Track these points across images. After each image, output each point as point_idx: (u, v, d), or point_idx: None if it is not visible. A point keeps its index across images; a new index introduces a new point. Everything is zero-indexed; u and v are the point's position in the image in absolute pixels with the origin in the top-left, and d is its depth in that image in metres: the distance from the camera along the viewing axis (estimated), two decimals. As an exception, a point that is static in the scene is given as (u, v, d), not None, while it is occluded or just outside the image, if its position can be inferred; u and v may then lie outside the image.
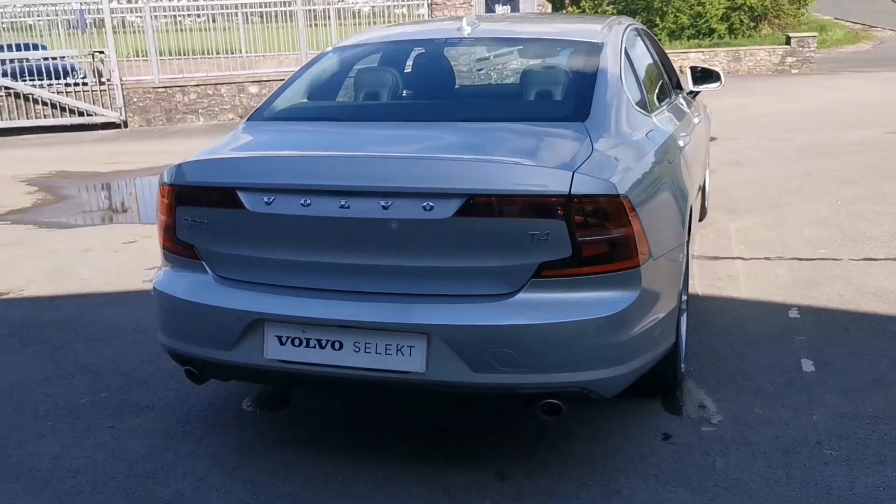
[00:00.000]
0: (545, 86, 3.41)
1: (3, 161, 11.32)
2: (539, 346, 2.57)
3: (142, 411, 3.53)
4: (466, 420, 3.34)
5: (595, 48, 3.44)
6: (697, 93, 5.17)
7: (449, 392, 2.69)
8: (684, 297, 3.49)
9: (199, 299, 2.89)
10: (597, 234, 2.56)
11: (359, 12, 17.55)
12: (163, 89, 14.80)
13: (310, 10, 16.08)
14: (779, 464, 2.92)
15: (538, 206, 2.53)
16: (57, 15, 15.56)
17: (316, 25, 16.42)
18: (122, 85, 14.51)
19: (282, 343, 2.73)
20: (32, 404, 3.65)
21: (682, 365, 3.49)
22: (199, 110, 14.84)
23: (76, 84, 14.45)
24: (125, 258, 5.98)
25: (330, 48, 3.99)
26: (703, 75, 5.13)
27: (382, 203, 2.59)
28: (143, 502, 2.87)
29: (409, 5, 16.87)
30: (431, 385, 2.64)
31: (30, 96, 14.28)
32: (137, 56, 15.91)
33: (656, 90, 4.02)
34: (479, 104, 3.73)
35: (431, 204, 2.56)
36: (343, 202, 2.63)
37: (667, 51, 6.04)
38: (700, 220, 5.63)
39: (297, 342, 2.72)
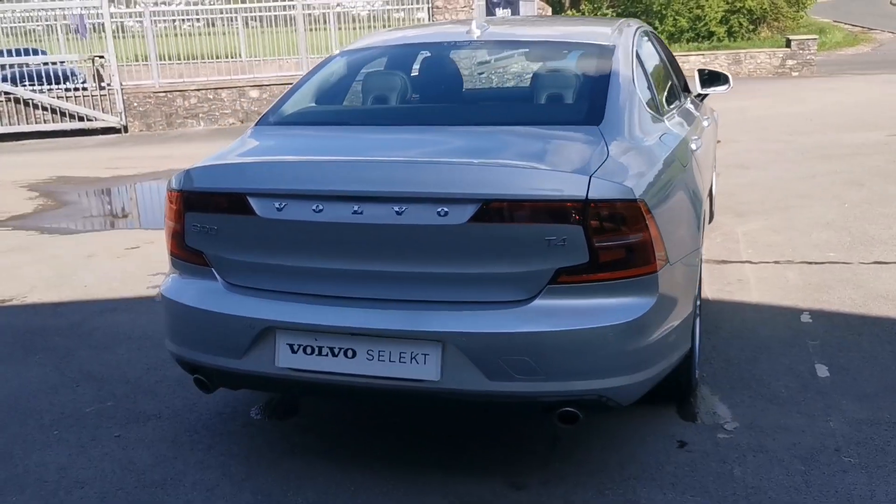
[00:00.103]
0: (558, 89, 3.37)
1: (4, 166, 11.28)
2: (556, 354, 2.52)
3: (149, 420, 3.49)
4: (479, 428, 3.29)
5: (607, 51, 3.40)
6: (705, 95, 5.13)
7: (464, 401, 2.65)
8: (697, 302, 3.45)
9: (208, 307, 2.84)
10: (614, 239, 2.52)
11: (357, 16, 17.51)
12: (163, 94, 14.76)
13: (308, 15, 16.02)
14: (797, 471, 2.88)
15: (555, 210, 2.49)
16: (56, 20, 15.50)
17: (314, 30, 16.37)
18: (122, 89, 14.47)
19: (293, 351, 2.69)
20: (37, 413, 3.60)
21: (696, 371, 3.45)
22: (200, 115, 14.80)
23: (76, 89, 14.40)
24: (128, 264, 5.93)
25: (337, 52, 3.95)
26: (711, 78, 5.10)
27: (396, 209, 2.55)
28: (153, 513, 2.83)
29: (407, 9, 16.84)
30: (446, 394, 2.59)
31: (30, 101, 14.23)
32: (136, 61, 15.85)
33: (667, 93, 3.99)
34: (491, 107, 3.68)
35: (446, 209, 2.51)
36: (356, 208, 2.59)
37: (670, 54, 5.97)
38: (708, 223, 5.59)
39: (309, 350, 2.67)
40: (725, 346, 3.94)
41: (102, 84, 14.57)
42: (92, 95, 14.43)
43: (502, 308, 2.56)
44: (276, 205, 2.68)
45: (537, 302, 2.55)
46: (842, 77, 17.64)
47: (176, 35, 16.33)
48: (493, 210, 2.50)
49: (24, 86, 14.23)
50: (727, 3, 26.40)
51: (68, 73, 14.60)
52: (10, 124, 14.20)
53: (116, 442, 3.32)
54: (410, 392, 2.63)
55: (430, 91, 3.72)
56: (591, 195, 2.47)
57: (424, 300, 2.61)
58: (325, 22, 16.22)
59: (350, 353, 2.63)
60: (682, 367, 3.04)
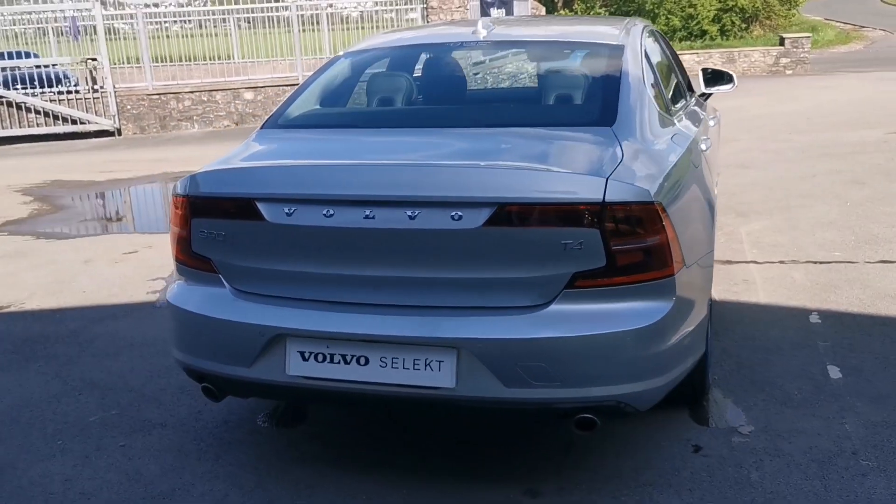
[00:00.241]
0: (568, 89, 3.32)
1: (-3, 171, 11.20)
2: (573, 360, 2.48)
3: (154, 429, 3.43)
4: (491, 434, 3.24)
5: (616, 50, 3.36)
6: (709, 95, 5.10)
7: (480, 408, 2.60)
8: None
9: (216, 314, 2.79)
10: (632, 242, 2.48)
11: (348, 17, 17.45)
12: (157, 96, 14.68)
13: (300, 16, 15.92)
14: (815, 475, 2.85)
15: (571, 214, 2.45)
16: (46, 22, 15.37)
17: (305, 30, 16.28)
18: (115, 92, 14.38)
19: (305, 359, 2.64)
20: (41, 423, 3.54)
21: (709, 374, 3.41)
22: (194, 117, 14.72)
23: (69, 92, 14.30)
24: (126, 269, 5.87)
25: (342, 53, 3.90)
26: (714, 77, 5.06)
27: (409, 213, 2.50)
28: (162, 525, 2.78)
29: (397, 10, 16.79)
30: (462, 401, 2.54)
31: (22, 105, 14.13)
32: (127, 63, 15.73)
33: (674, 93, 3.95)
34: (501, 109, 3.63)
35: (460, 213, 2.47)
36: (368, 212, 2.54)
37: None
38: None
39: (320, 358, 2.62)
40: (736, 348, 3.90)
41: (95, 87, 14.46)
42: (85, 98, 14.34)
43: (518, 313, 2.51)
44: (286, 210, 2.63)
45: (553, 307, 2.50)
46: (836, 75, 17.66)
47: (167, 37, 16.22)
48: (508, 214, 2.46)
49: (16, 89, 14.12)
50: (719, 1, 26.42)
51: (60, 76, 14.50)
52: (3, 128, 14.10)
53: (122, 452, 3.26)
54: (425, 399, 2.58)
55: (438, 92, 3.66)
56: (609, 198, 2.43)
57: (438, 306, 2.57)
58: (316, 23, 16.13)
59: (363, 361, 2.59)
60: (696, 370, 3.00)
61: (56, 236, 7.13)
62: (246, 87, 14.92)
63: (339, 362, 2.61)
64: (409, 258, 2.55)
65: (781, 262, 5.15)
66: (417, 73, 3.74)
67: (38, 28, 15.53)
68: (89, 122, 14.32)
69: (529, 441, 3.17)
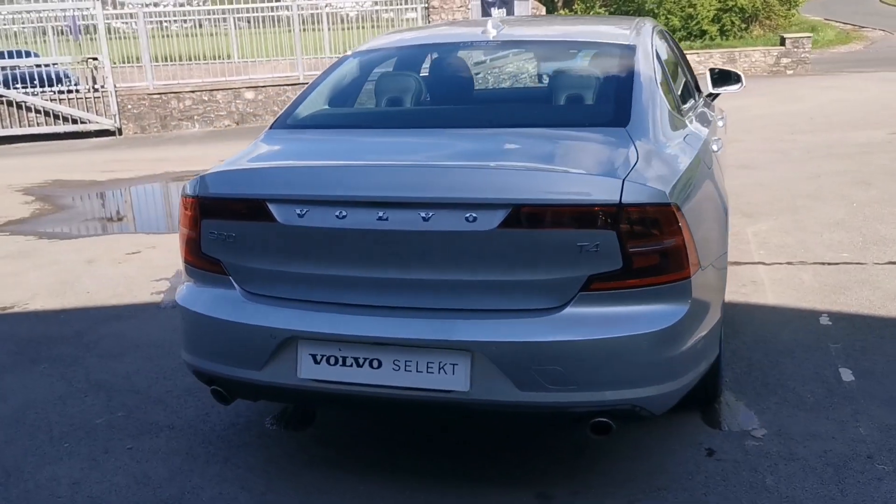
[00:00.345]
0: (581, 90, 3.29)
1: (-2, 170, 11.16)
2: (589, 363, 2.45)
3: (161, 431, 3.40)
4: (503, 437, 3.21)
5: (628, 51, 3.33)
6: (716, 95, 5.07)
7: (494, 412, 2.57)
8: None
9: (226, 316, 2.76)
10: (648, 244, 2.45)
11: (346, 17, 17.41)
12: (157, 96, 14.64)
13: (298, 15, 15.85)
14: (831, 480, 2.82)
15: (588, 215, 2.42)
16: (44, 21, 15.29)
17: (305, 30, 16.23)
18: (115, 91, 14.33)
19: (316, 362, 2.61)
20: (47, 425, 3.51)
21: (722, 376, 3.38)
22: (195, 117, 14.68)
23: (69, 91, 14.25)
24: (130, 269, 5.83)
25: (350, 52, 3.86)
26: (722, 77, 5.03)
27: (423, 214, 2.47)
28: (171, 530, 2.75)
29: (396, 10, 16.75)
30: (476, 405, 2.52)
31: (22, 104, 14.08)
32: (126, 62, 15.68)
33: (684, 93, 3.92)
34: (513, 109, 3.60)
35: (475, 215, 2.44)
36: (381, 214, 2.51)
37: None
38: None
39: (332, 361, 2.59)
40: (746, 350, 3.87)
41: (96, 86, 14.41)
42: (85, 98, 14.29)
43: (533, 316, 2.49)
44: (298, 211, 2.60)
45: (569, 310, 2.48)
46: (837, 75, 17.63)
47: (165, 36, 16.17)
48: (524, 215, 2.43)
49: (16, 88, 14.07)
50: (719, 1, 26.39)
51: (61, 76, 14.45)
52: (3, 127, 14.05)
53: (129, 455, 3.23)
54: (439, 403, 2.55)
55: (450, 92, 3.63)
56: (626, 199, 2.40)
57: (452, 308, 2.54)
58: (314, 22, 16.08)
59: (375, 364, 2.56)
60: (709, 373, 2.97)
61: (58, 236, 7.10)
62: (247, 87, 14.88)
63: (351, 365, 2.58)
64: (422, 260, 2.52)
65: (789, 263, 5.12)
66: (427, 73, 3.71)
67: (39, 27, 15.47)
68: (90, 122, 14.27)
69: (540, 444, 3.15)
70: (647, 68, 3.22)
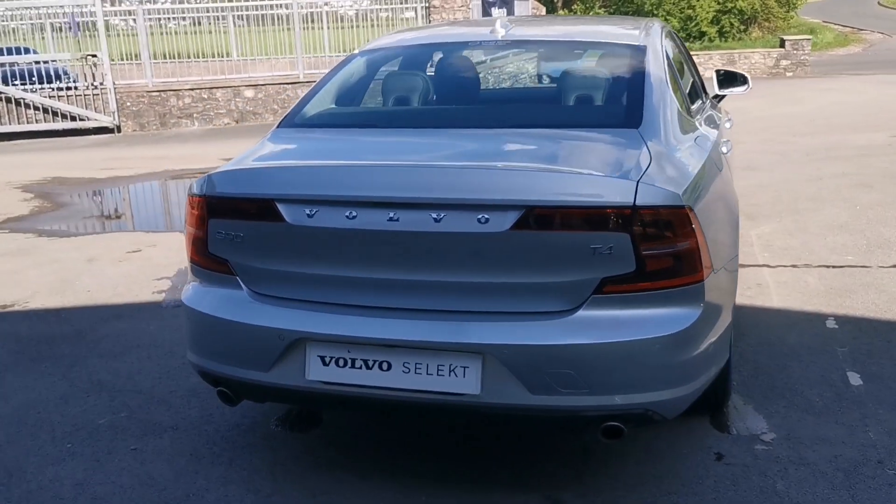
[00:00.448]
0: (591, 90, 3.26)
1: (-4, 167, 11.11)
2: (601, 367, 2.43)
3: (165, 432, 3.37)
4: (510, 440, 3.19)
5: (638, 51, 3.31)
6: (722, 97, 5.05)
7: (505, 415, 2.54)
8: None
9: (233, 317, 2.73)
10: (662, 247, 2.43)
11: (344, 16, 17.38)
12: (156, 93, 14.58)
13: (291, 14, 15.77)
14: (842, 485, 2.80)
15: (602, 217, 2.39)
16: (41, 18, 15.20)
17: (303, 28, 16.16)
18: (114, 89, 14.28)
19: (325, 364, 2.58)
20: (49, 425, 3.47)
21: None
22: (194, 115, 14.63)
23: (68, 88, 14.18)
24: (131, 268, 5.80)
25: (357, 51, 3.83)
26: (728, 78, 5.01)
27: (434, 215, 2.45)
28: (177, 532, 2.72)
29: (393, 9, 16.72)
30: (487, 408, 2.49)
31: (21, 101, 14.01)
32: (124, 60, 15.62)
33: (691, 94, 3.90)
34: (524, 109, 3.58)
35: (487, 216, 2.41)
36: (392, 214, 2.48)
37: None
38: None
39: (341, 363, 2.57)
40: (753, 353, 3.85)
41: (95, 83, 14.35)
42: (84, 95, 14.23)
43: (545, 319, 2.46)
44: (307, 211, 2.57)
45: (581, 312, 2.45)
46: (836, 78, 17.63)
47: (165, 34, 16.10)
48: (537, 217, 2.41)
49: (15, 85, 14.01)
50: (718, 3, 26.40)
51: (60, 73, 14.39)
52: (1, 124, 13.99)
53: (133, 455, 3.20)
54: (449, 406, 2.53)
55: (459, 92, 3.60)
56: (640, 201, 2.38)
57: (463, 310, 2.51)
58: (312, 21, 16.02)
59: (385, 366, 2.53)
60: (719, 376, 2.95)
61: (58, 234, 7.06)
62: (246, 85, 14.83)
63: (360, 367, 2.55)
64: (433, 261, 2.50)
65: (794, 265, 5.10)
66: (436, 72, 3.68)
67: (37, 24, 15.39)
68: (89, 119, 14.21)
69: (548, 447, 3.12)
70: (658, 69, 3.20)
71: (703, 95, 4.41)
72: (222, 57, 15.95)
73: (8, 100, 13.96)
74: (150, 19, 15.71)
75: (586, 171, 2.53)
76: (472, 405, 2.49)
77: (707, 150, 3.11)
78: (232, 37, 16.28)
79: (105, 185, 9.49)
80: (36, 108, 14.09)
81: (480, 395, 2.46)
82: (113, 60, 14.83)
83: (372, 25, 16.80)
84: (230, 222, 2.72)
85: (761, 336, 4.05)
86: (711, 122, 3.80)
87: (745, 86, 4.92)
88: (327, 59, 15.49)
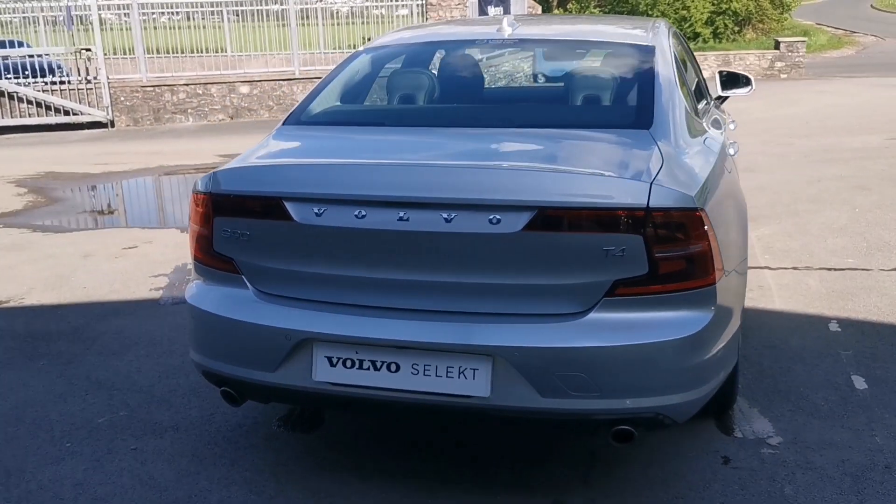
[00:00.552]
0: (601, 90, 3.24)
1: (-11, 161, 11.01)
2: (612, 370, 2.40)
3: (165, 432, 3.33)
4: (516, 443, 3.16)
5: (647, 51, 3.29)
6: (724, 98, 5.04)
7: (515, 418, 2.52)
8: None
9: (239, 316, 2.69)
10: (675, 249, 2.40)
11: (337, 13, 17.32)
12: (150, 88, 14.49)
13: (287, 10, 15.69)
14: (850, 490, 2.78)
15: (615, 219, 2.37)
16: (34, 12, 15.08)
17: (297, 24, 16.09)
18: (108, 83, 14.19)
19: (332, 364, 2.55)
20: (47, 424, 3.43)
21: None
22: (189, 110, 14.54)
23: (61, 82, 14.08)
24: (127, 264, 5.75)
25: (362, 48, 3.79)
26: (731, 79, 5.00)
27: (445, 215, 2.41)
28: (180, 534, 2.69)
29: (387, 6, 16.67)
30: (496, 411, 2.46)
31: (13, 94, 13.90)
32: (116, 54, 15.50)
33: (697, 95, 3.88)
34: (534, 109, 3.54)
35: (498, 217, 2.38)
36: (402, 214, 2.45)
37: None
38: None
39: (349, 364, 2.53)
40: (756, 355, 3.84)
41: (88, 77, 14.25)
42: (77, 89, 14.14)
43: (556, 321, 2.43)
44: (315, 210, 2.53)
45: (593, 315, 2.42)
46: (831, 80, 17.67)
47: (157, 28, 15.99)
48: (549, 218, 2.38)
49: (7, 78, 13.90)
50: (713, 4, 26.43)
51: (53, 66, 14.28)
52: (-7, 118, 13.90)
53: (133, 455, 3.16)
54: (458, 408, 2.50)
55: (466, 90, 3.56)
56: (653, 203, 2.35)
57: (474, 312, 2.48)
58: (306, 17, 15.95)
59: (393, 367, 2.50)
60: (726, 380, 2.93)
61: (53, 229, 6.99)
62: (241, 81, 14.76)
63: (368, 368, 2.52)
64: (443, 262, 2.47)
65: (795, 268, 5.10)
66: (442, 70, 3.65)
67: (31, 17, 15.26)
68: (82, 114, 14.11)
69: (554, 450, 3.10)
70: (667, 70, 3.18)
71: (708, 96, 4.39)
72: (217, 52, 15.87)
73: (0, 93, 13.84)
74: (144, 14, 15.60)
75: (599, 173, 2.50)
76: (482, 408, 2.46)
77: (716, 151, 3.09)
78: (227, 32, 16.18)
79: (99, 181, 9.42)
80: (29, 102, 13.99)
81: (490, 398, 2.43)
82: (107, 55, 14.74)
83: (364, 23, 16.75)
84: (236, 220, 2.68)
85: (765, 338, 4.03)
86: (717, 123, 3.78)
87: (749, 87, 4.90)
88: (322, 55, 15.44)
